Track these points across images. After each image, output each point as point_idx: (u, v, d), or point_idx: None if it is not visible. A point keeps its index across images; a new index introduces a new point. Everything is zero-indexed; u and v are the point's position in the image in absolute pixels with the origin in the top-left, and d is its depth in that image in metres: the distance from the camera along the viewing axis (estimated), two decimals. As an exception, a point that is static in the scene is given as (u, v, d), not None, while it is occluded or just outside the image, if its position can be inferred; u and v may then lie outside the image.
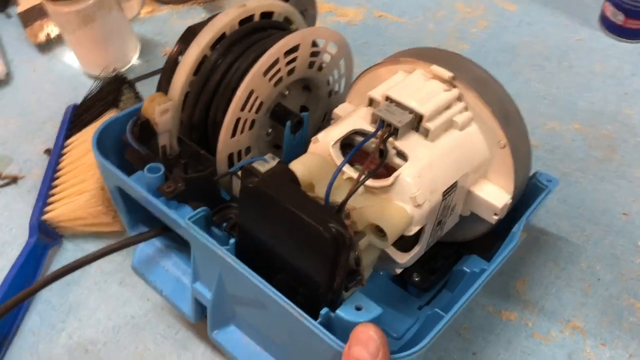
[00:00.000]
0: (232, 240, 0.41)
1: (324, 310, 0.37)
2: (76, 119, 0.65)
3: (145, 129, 0.46)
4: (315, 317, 0.37)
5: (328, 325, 0.37)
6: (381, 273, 0.50)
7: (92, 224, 0.57)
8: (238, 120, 0.45)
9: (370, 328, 0.35)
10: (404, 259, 0.42)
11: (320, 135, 0.43)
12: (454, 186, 0.42)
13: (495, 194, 0.44)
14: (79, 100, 0.67)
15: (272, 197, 0.36)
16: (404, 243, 0.43)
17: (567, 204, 0.61)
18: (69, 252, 0.58)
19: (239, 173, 0.46)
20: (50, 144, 0.66)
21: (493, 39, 0.80)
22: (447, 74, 0.43)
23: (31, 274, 0.55)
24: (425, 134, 0.42)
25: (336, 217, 0.35)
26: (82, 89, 0.69)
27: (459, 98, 0.43)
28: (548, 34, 0.80)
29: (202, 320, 0.47)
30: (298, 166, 0.40)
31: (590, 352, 0.51)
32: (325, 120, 0.55)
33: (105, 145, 0.47)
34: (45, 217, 0.57)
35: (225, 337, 0.45)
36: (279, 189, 0.36)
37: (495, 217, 0.44)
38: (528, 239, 0.58)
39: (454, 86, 0.43)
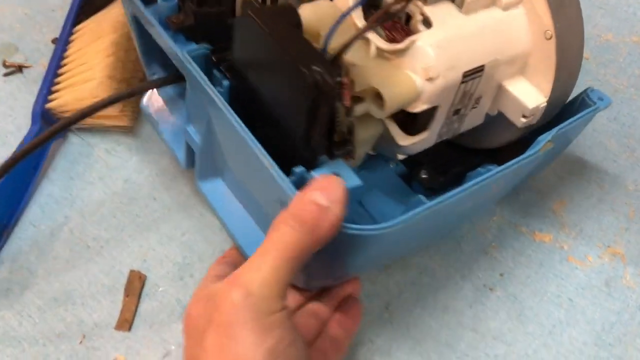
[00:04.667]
0: (225, 82, 0.39)
1: (298, 169, 0.34)
2: (85, 4, 0.60)
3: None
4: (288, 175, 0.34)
5: (301, 185, 0.34)
6: (391, 165, 0.46)
7: (98, 115, 0.50)
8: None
9: (333, 178, 0.31)
10: (406, 141, 0.38)
11: (344, -13, 0.38)
12: (479, 70, 0.36)
13: (527, 93, 0.38)
14: (90, -12, 0.62)
15: (263, 29, 0.33)
16: (414, 127, 0.38)
17: (618, 122, 0.55)
18: (74, 146, 0.54)
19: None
20: (58, 34, 0.61)
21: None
22: (503, -59, 0.37)
23: (33, 165, 0.51)
24: (460, 4, 0.36)
25: (325, 63, 0.31)
26: (93, -24, 0.64)
27: (512, -27, 0.37)
28: None
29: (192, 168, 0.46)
30: (306, 10, 0.36)
31: (630, 280, 0.47)
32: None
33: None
34: (49, 105, 0.53)
35: (209, 188, 0.43)
36: (274, 24, 0.33)
37: (523, 120, 0.39)
38: (570, 158, 0.53)
39: (509, -42, 0.37)
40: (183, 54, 0.39)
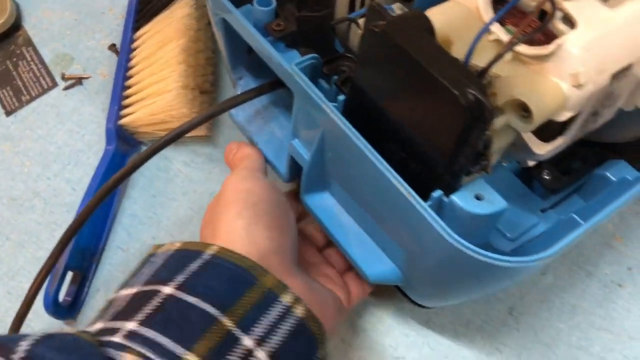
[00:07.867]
0: (341, 97, 0.36)
1: (436, 193, 0.32)
2: (143, 8, 0.56)
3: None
4: (424, 199, 0.32)
5: (438, 211, 0.32)
6: (504, 164, 0.43)
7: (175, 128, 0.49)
8: (368, -46, 0.38)
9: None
10: (543, 149, 0.35)
11: (468, -17, 0.34)
12: (626, 69, 0.33)
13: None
14: (138, -15, 0.58)
15: (400, 47, 0.29)
16: (545, 131, 0.35)
17: None
18: (150, 161, 0.47)
19: (360, 21, 0.39)
20: (113, 39, 0.58)
21: None
22: None
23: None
24: (605, -3, 0.33)
25: (477, 82, 0.28)
26: (141, -27, 0.59)
27: (660, -45, 0.33)
28: None
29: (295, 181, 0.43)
30: (437, 15, 0.32)
31: None
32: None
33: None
34: (122, 121, 0.50)
35: (316, 202, 0.41)
36: (411, 38, 0.29)
37: (666, 116, 0.35)
38: None
39: (656, -62, 0.33)
40: (292, 68, 0.35)
